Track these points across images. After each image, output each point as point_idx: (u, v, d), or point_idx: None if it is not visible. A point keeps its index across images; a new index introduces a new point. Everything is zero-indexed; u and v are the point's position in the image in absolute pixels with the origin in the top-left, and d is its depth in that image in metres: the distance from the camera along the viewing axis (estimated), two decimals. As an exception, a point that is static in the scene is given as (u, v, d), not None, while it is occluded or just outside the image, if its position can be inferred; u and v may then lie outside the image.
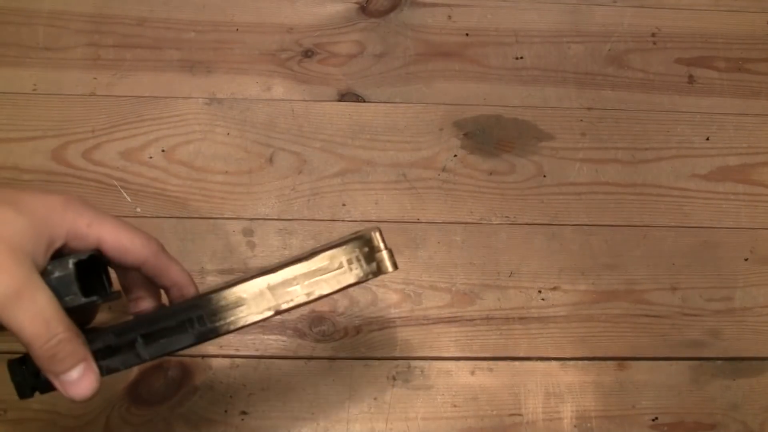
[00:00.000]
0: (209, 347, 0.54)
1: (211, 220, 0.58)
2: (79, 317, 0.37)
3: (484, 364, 0.56)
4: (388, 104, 0.63)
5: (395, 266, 0.39)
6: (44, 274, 0.35)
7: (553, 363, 0.56)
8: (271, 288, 0.37)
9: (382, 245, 0.39)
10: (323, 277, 0.38)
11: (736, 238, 0.60)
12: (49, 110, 0.60)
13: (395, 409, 0.54)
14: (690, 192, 0.62)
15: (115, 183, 0.58)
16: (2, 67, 0.62)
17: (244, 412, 0.53)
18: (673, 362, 0.57)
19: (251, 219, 0.58)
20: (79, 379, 0.34)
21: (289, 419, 0.54)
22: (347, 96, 0.63)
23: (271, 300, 0.37)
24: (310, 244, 0.58)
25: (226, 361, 0.54)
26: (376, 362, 0.55)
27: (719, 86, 0.66)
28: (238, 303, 0.37)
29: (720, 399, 0.56)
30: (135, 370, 0.53)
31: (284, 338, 0.55)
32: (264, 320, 0.37)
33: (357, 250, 0.39)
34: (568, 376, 0.56)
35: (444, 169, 0.61)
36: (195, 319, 0.37)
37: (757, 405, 0.56)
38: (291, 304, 0.37)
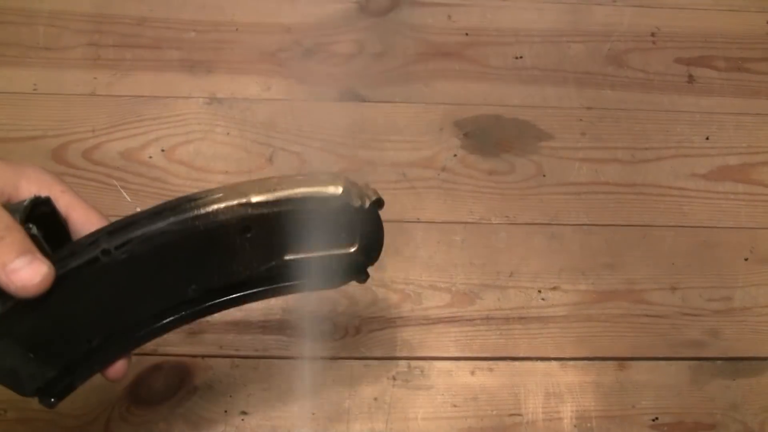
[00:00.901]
0: (209, 347, 0.54)
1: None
2: None
3: (484, 364, 0.56)
4: (388, 104, 0.63)
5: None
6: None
7: (553, 363, 0.56)
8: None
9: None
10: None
11: (736, 237, 0.61)
12: (50, 110, 0.60)
13: (395, 409, 0.54)
14: (690, 192, 0.62)
15: (115, 183, 0.58)
16: (2, 67, 0.62)
17: (244, 412, 0.53)
18: (673, 362, 0.57)
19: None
20: (23, 267, 0.32)
21: (289, 419, 0.54)
22: (347, 96, 0.63)
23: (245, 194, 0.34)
24: (310, 244, 0.58)
25: (226, 361, 0.54)
26: (376, 362, 0.55)
27: (719, 86, 0.66)
28: (215, 193, 0.34)
29: (720, 399, 0.56)
30: (134, 371, 0.53)
31: (284, 338, 0.55)
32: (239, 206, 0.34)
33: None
34: (568, 376, 0.56)
35: (444, 169, 0.61)
36: (168, 209, 0.34)
37: (757, 405, 0.56)
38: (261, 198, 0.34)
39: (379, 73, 0.64)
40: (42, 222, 0.33)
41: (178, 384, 0.53)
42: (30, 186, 0.35)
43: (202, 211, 0.34)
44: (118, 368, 0.38)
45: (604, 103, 0.64)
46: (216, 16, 0.65)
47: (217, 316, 0.55)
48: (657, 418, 0.55)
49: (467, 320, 0.57)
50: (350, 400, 0.54)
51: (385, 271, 0.57)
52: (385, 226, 0.58)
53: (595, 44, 0.66)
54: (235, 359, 0.54)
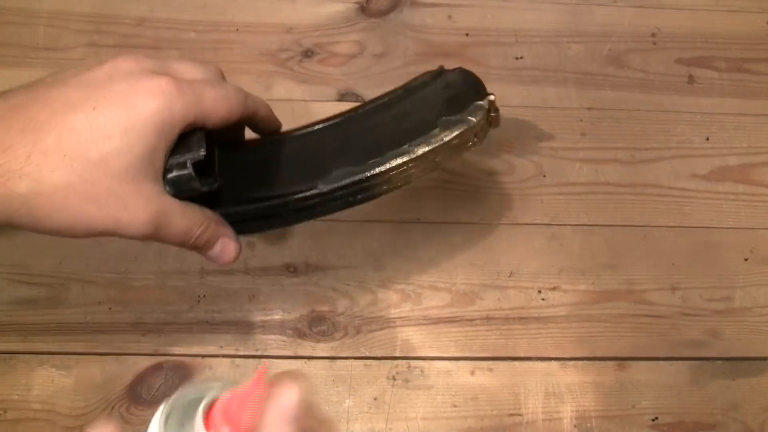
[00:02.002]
0: (209, 347, 0.54)
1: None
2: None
3: (484, 364, 0.56)
4: (388, 104, 0.63)
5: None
6: (166, 171, 0.37)
7: (553, 363, 0.56)
8: None
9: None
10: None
11: (736, 238, 0.60)
12: (49, 110, 0.60)
13: (395, 409, 0.54)
14: (690, 192, 0.62)
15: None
16: (2, 67, 0.62)
17: (244, 412, 0.53)
18: (673, 362, 0.57)
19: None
20: (221, 251, 0.42)
21: (289, 419, 0.53)
22: (347, 96, 0.63)
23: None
24: (310, 245, 0.58)
25: (226, 360, 0.54)
26: (376, 362, 0.55)
27: (719, 86, 0.66)
28: None
29: (720, 399, 0.56)
30: (134, 371, 0.53)
31: (284, 338, 0.55)
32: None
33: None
34: (568, 376, 0.56)
35: (444, 169, 0.61)
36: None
37: (757, 405, 0.56)
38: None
39: (380, 73, 0.64)
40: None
41: (178, 384, 0.53)
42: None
43: None
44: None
45: (604, 104, 0.64)
46: (216, 16, 0.65)
47: (217, 316, 0.55)
48: (657, 418, 0.55)
49: (467, 320, 0.57)
50: (350, 400, 0.54)
51: (385, 271, 0.57)
52: (385, 227, 0.59)
53: (596, 45, 0.66)
54: (235, 359, 0.54)
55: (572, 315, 0.57)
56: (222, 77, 0.43)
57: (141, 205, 0.35)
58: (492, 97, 0.47)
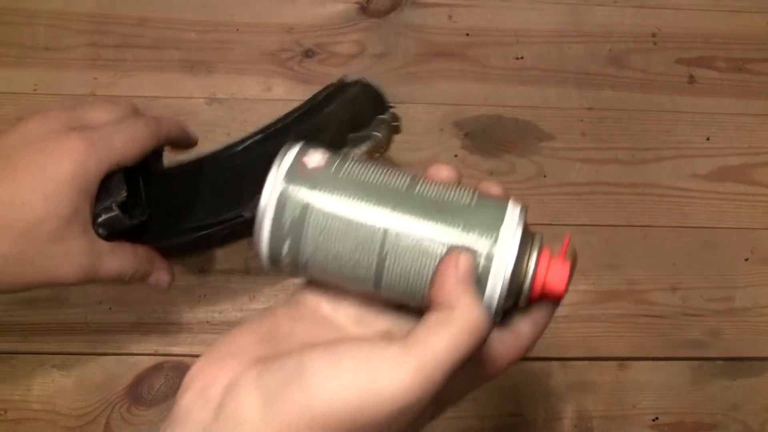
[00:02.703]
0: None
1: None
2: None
3: (485, 364, 0.56)
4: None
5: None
6: (95, 217, 0.40)
7: (554, 363, 0.56)
8: None
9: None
10: None
11: (737, 238, 0.60)
12: (50, 110, 0.60)
13: (395, 409, 0.54)
14: (690, 192, 0.62)
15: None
16: (3, 67, 0.62)
17: (244, 412, 0.53)
18: (674, 362, 0.57)
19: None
20: (155, 282, 0.45)
21: (289, 419, 0.53)
22: (347, 96, 0.63)
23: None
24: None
25: (227, 361, 0.54)
26: (377, 362, 0.55)
27: (719, 86, 0.66)
28: None
29: (720, 399, 0.56)
30: (134, 371, 0.53)
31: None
32: None
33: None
34: (569, 376, 0.56)
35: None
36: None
37: (758, 405, 0.56)
38: None
39: (380, 73, 0.64)
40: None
41: (178, 384, 0.53)
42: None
43: None
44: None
45: (604, 104, 0.64)
46: (216, 16, 0.65)
47: (218, 316, 0.55)
48: (657, 418, 0.55)
49: (468, 320, 0.56)
50: (350, 401, 0.54)
51: (386, 271, 0.57)
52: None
53: (596, 45, 0.66)
54: (236, 359, 0.54)
55: (573, 315, 0.57)
56: (134, 111, 0.44)
57: (70, 260, 0.38)
58: (393, 109, 0.49)
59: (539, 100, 0.64)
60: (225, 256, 0.57)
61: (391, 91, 0.63)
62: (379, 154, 0.48)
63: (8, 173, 0.36)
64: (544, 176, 0.61)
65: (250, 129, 0.60)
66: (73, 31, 0.63)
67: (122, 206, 0.41)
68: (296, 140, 0.32)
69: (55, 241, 0.37)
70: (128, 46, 0.63)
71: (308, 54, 0.64)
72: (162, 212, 0.44)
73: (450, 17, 0.66)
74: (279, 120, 0.49)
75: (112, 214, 0.40)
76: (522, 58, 0.65)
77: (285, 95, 0.62)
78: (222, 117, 0.61)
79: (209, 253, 0.57)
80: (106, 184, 0.40)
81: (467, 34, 0.66)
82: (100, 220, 0.40)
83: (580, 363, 0.56)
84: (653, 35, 0.67)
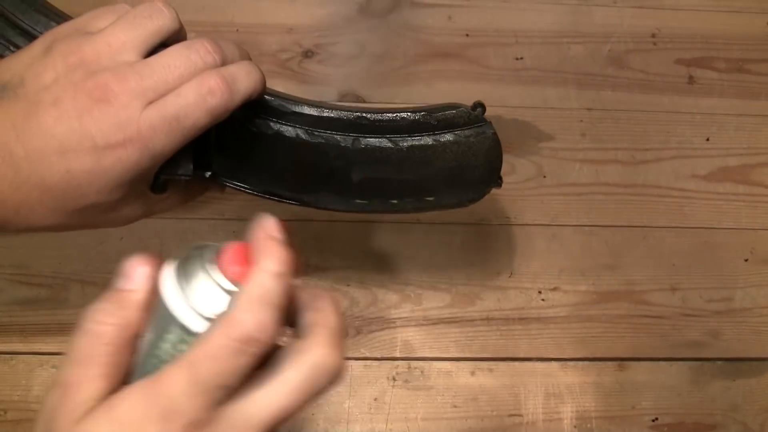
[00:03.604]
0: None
1: (212, 221, 0.58)
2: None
3: (484, 364, 0.56)
4: (389, 105, 0.63)
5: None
6: (156, 176, 0.37)
7: (553, 363, 0.56)
8: None
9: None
10: None
11: (736, 238, 0.60)
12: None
13: (395, 409, 0.54)
14: (690, 192, 0.62)
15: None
16: (2, 67, 0.62)
17: (244, 413, 0.53)
18: (673, 363, 0.57)
19: (251, 219, 0.58)
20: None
21: (288, 419, 0.53)
22: (347, 96, 0.63)
23: None
24: (310, 245, 0.58)
25: (226, 361, 0.54)
26: (376, 362, 0.55)
27: (719, 87, 0.66)
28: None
29: (720, 399, 0.56)
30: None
31: (284, 338, 0.55)
32: None
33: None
34: (568, 376, 0.56)
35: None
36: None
37: (757, 405, 0.56)
38: None
39: (380, 73, 0.64)
40: None
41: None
42: None
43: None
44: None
45: (604, 104, 0.64)
46: (216, 16, 0.65)
47: (217, 317, 0.55)
48: (657, 419, 0.55)
49: (467, 321, 0.57)
50: (350, 401, 0.54)
51: (385, 271, 0.57)
52: (386, 227, 0.58)
53: (596, 45, 0.66)
54: (235, 360, 0.54)
55: (572, 315, 0.57)
56: (236, 52, 0.38)
57: (124, 219, 0.38)
58: (501, 183, 0.43)
59: (539, 100, 0.64)
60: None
61: (390, 91, 0.63)
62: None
63: (61, 159, 0.33)
64: (544, 176, 0.61)
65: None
66: (73, 31, 0.63)
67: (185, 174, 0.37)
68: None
69: (108, 213, 0.36)
70: (128, 47, 0.63)
71: (308, 54, 0.64)
72: (228, 154, 0.40)
73: (449, 18, 0.66)
74: (391, 115, 0.42)
75: (174, 177, 0.37)
76: (521, 58, 0.65)
77: (285, 96, 0.62)
78: (222, 117, 0.61)
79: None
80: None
81: (467, 35, 0.66)
82: (160, 180, 0.37)
83: (580, 363, 0.56)
84: (653, 36, 0.67)
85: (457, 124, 0.42)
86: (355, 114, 0.41)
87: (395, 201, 0.42)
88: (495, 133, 0.42)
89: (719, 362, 0.57)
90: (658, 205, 0.61)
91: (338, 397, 0.54)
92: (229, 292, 0.28)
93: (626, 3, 0.68)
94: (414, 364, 0.55)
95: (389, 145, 0.41)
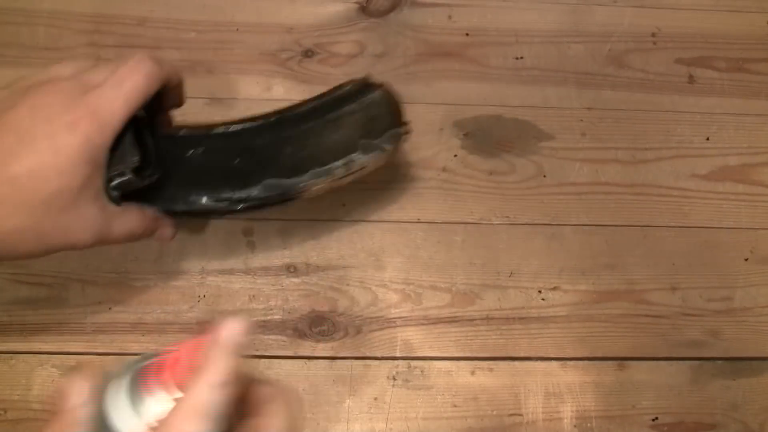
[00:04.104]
0: (209, 347, 0.54)
1: (211, 221, 0.58)
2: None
3: (484, 364, 0.56)
4: (388, 104, 0.63)
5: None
6: (109, 181, 0.42)
7: (553, 363, 0.56)
8: None
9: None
10: None
11: (736, 238, 0.60)
12: (50, 110, 0.60)
13: (395, 409, 0.54)
14: (690, 192, 0.62)
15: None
16: (2, 67, 0.62)
17: (244, 412, 0.53)
18: (673, 362, 0.57)
19: (251, 219, 0.58)
20: (159, 236, 0.48)
21: (289, 419, 0.53)
22: (347, 96, 0.63)
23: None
24: (310, 245, 0.58)
25: (226, 361, 0.54)
26: (376, 362, 0.55)
27: (719, 86, 0.66)
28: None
29: (720, 399, 0.56)
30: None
31: (284, 338, 0.55)
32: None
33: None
34: (568, 376, 0.56)
35: (444, 169, 0.61)
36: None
37: (757, 405, 0.56)
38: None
39: (380, 73, 0.64)
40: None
41: (178, 384, 0.53)
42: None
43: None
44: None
45: (604, 104, 0.64)
46: (216, 16, 0.65)
47: (217, 316, 0.55)
48: (657, 418, 0.55)
49: (467, 320, 0.57)
50: (350, 400, 0.54)
51: (385, 271, 0.57)
52: (386, 227, 0.58)
53: (596, 45, 0.66)
54: (235, 359, 0.54)
55: (572, 315, 0.57)
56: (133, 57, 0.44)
57: (84, 227, 0.41)
58: (408, 126, 0.50)
59: (539, 100, 0.64)
60: (225, 256, 0.57)
61: (390, 91, 0.63)
62: (382, 164, 0.49)
63: (22, 149, 0.38)
64: (544, 176, 0.61)
65: (250, 129, 0.61)
66: (73, 31, 0.63)
67: (135, 170, 0.42)
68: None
69: (69, 211, 0.39)
70: (128, 46, 0.63)
71: (308, 54, 0.64)
72: (170, 177, 0.46)
73: (450, 17, 0.66)
74: (297, 105, 0.49)
75: (125, 178, 0.42)
76: (522, 58, 0.65)
77: (285, 95, 0.62)
78: (222, 117, 0.61)
79: (209, 254, 0.57)
80: (117, 148, 0.41)
81: (467, 34, 0.66)
82: (113, 183, 0.42)
83: (580, 363, 0.56)
84: (653, 35, 0.67)
85: (352, 92, 0.49)
86: (270, 115, 0.49)
87: (328, 167, 0.47)
88: (383, 87, 0.49)
89: (719, 362, 0.57)
90: (658, 204, 0.61)
91: (338, 397, 0.54)
92: (168, 401, 0.28)
93: (626, 2, 0.68)
94: (414, 363, 0.55)
95: (307, 124, 0.49)
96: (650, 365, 0.56)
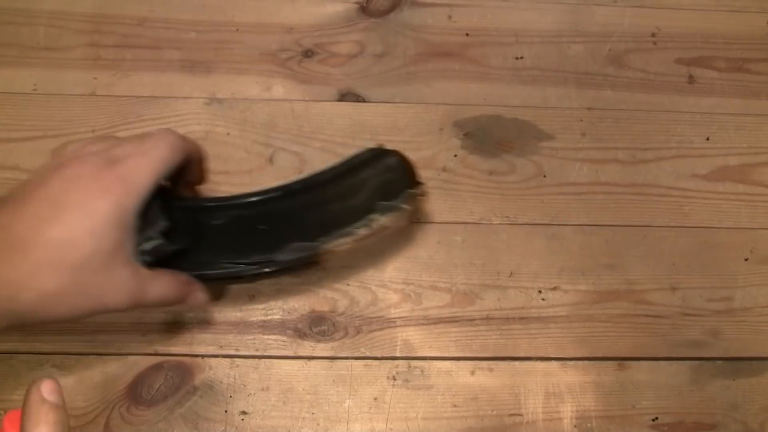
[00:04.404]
0: (209, 347, 0.54)
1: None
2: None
3: (484, 364, 0.56)
4: (389, 104, 0.63)
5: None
6: (139, 245, 0.44)
7: (553, 363, 0.56)
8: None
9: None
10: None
11: (736, 238, 0.60)
12: (49, 110, 0.60)
13: (395, 409, 0.54)
14: (690, 192, 0.62)
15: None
16: (2, 67, 0.62)
17: (244, 412, 0.53)
18: (673, 362, 0.57)
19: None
20: (193, 302, 0.49)
21: (289, 419, 0.54)
22: (347, 96, 0.63)
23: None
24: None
25: (226, 361, 0.54)
26: (376, 362, 0.55)
27: (719, 86, 0.66)
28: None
29: (720, 399, 0.56)
30: (134, 371, 0.53)
31: (284, 338, 0.55)
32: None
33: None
34: (568, 376, 0.56)
35: (444, 169, 0.61)
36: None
37: (757, 405, 0.56)
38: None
39: (380, 73, 0.64)
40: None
41: (178, 384, 0.53)
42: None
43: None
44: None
45: (604, 104, 0.64)
46: (216, 16, 0.65)
47: (218, 316, 0.55)
48: (657, 418, 0.55)
49: (467, 320, 0.57)
50: (350, 400, 0.54)
51: (385, 271, 0.57)
52: (386, 226, 0.58)
53: (596, 45, 0.66)
54: (235, 359, 0.54)
55: (572, 315, 0.57)
56: (158, 132, 0.47)
57: (119, 289, 0.42)
58: (423, 187, 0.54)
59: (539, 100, 0.64)
60: (225, 256, 0.57)
61: (390, 90, 0.63)
62: (402, 223, 0.52)
63: (56, 216, 0.41)
64: (544, 176, 0.61)
65: (250, 129, 0.61)
66: (72, 31, 0.63)
67: (164, 234, 0.45)
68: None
69: (104, 273, 0.41)
70: (128, 46, 0.63)
71: (308, 54, 0.64)
72: (200, 244, 0.49)
73: (450, 17, 0.66)
74: (317, 173, 0.52)
75: (156, 242, 0.45)
76: (522, 58, 0.65)
77: (285, 95, 0.62)
78: (222, 117, 0.61)
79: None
80: (146, 214, 0.44)
81: (467, 34, 0.66)
82: (144, 247, 0.44)
83: (580, 363, 0.56)
84: (653, 35, 0.67)
85: (368, 159, 0.52)
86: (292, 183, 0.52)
87: (350, 229, 0.50)
88: (397, 153, 0.53)
89: (719, 362, 0.57)
90: (658, 204, 0.61)
91: (338, 397, 0.54)
92: None
93: (626, 2, 0.68)
94: (414, 363, 0.55)
95: (329, 190, 0.52)
96: (650, 365, 0.56)
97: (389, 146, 0.61)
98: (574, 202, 0.60)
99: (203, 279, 0.49)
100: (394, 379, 0.55)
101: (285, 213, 0.51)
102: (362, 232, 0.51)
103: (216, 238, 0.50)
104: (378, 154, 0.53)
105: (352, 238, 0.51)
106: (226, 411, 0.53)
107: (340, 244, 0.51)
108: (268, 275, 0.52)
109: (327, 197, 0.52)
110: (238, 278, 0.54)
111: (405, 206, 0.51)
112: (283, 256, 0.50)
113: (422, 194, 0.55)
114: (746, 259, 0.60)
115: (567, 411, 0.55)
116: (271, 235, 0.50)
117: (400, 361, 0.55)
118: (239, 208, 0.51)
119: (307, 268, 0.55)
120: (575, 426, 0.54)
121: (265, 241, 0.50)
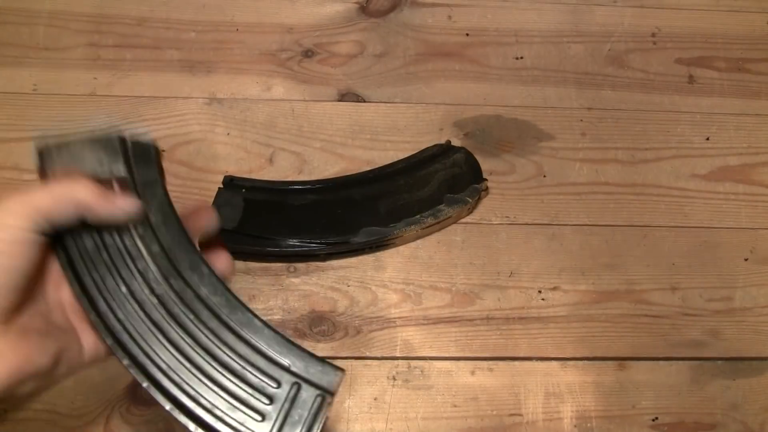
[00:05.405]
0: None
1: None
2: None
3: (484, 364, 0.56)
4: (388, 104, 0.63)
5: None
6: None
7: (553, 363, 0.56)
8: None
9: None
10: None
11: (736, 238, 0.60)
12: (50, 110, 0.60)
13: (395, 409, 0.54)
14: (690, 192, 0.62)
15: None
16: (2, 67, 0.62)
17: (244, 412, 0.53)
18: (673, 362, 0.57)
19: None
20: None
21: (289, 419, 0.53)
22: (347, 96, 0.63)
23: None
24: (310, 244, 0.58)
25: (226, 361, 0.54)
26: (376, 362, 0.55)
27: (719, 86, 0.66)
28: None
29: (720, 399, 0.56)
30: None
31: (284, 338, 0.55)
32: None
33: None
34: (568, 376, 0.56)
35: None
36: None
37: (757, 405, 0.56)
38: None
39: (380, 73, 0.64)
40: None
41: (178, 384, 0.53)
42: None
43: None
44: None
45: (604, 104, 0.64)
46: (216, 16, 0.65)
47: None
48: (657, 418, 0.55)
49: (467, 320, 0.57)
50: (350, 400, 0.54)
51: (385, 271, 0.57)
52: (386, 226, 0.58)
53: (596, 45, 0.66)
54: (235, 359, 0.54)
55: (572, 315, 0.57)
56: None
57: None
58: (486, 182, 0.58)
59: (539, 100, 0.64)
60: (225, 256, 0.57)
61: (390, 90, 0.63)
62: (465, 215, 0.59)
63: None
64: (544, 176, 0.61)
65: (250, 129, 0.61)
66: (72, 31, 0.63)
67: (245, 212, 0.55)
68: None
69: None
70: (128, 46, 0.63)
71: (308, 54, 0.64)
72: (281, 222, 0.55)
73: (449, 17, 0.66)
74: (390, 164, 0.59)
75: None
76: (522, 58, 0.65)
77: (285, 95, 0.62)
78: (222, 117, 0.61)
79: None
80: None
81: (467, 34, 0.66)
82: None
83: (580, 363, 0.56)
84: (653, 35, 0.67)
85: (437, 154, 0.59)
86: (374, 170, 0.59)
87: (418, 217, 0.56)
88: (464, 150, 0.59)
89: (719, 362, 0.57)
90: (657, 204, 0.61)
91: (338, 397, 0.54)
92: None
93: (626, 2, 0.68)
94: (414, 363, 0.55)
95: (400, 180, 0.58)
96: (650, 365, 0.56)
97: (389, 146, 0.61)
98: (574, 202, 0.60)
99: (283, 255, 0.55)
100: (394, 379, 0.55)
101: (360, 199, 0.57)
102: (429, 220, 0.56)
103: (297, 218, 0.55)
104: (446, 149, 0.59)
105: (419, 226, 0.56)
106: (226, 411, 0.53)
107: (408, 230, 0.56)
108: (339, 255, 0.57)
109: (399, 187, 0.57)
110: (313, 256, 0.57)
111: (469, 199, 0.57)
112: (357, 238, 0.55)
113: (486, 189, 0.59)
114: (746, 259, 0.60)
115: (567, 411, 0.55)
116: (347, 219, 0.56)
117: (400, 361, 0.55)
118: (319, 191, 0.57)
119: (376, 250, 0.57)
120: (575, 426, 0.54)
121: (342, 223, 0.55)
